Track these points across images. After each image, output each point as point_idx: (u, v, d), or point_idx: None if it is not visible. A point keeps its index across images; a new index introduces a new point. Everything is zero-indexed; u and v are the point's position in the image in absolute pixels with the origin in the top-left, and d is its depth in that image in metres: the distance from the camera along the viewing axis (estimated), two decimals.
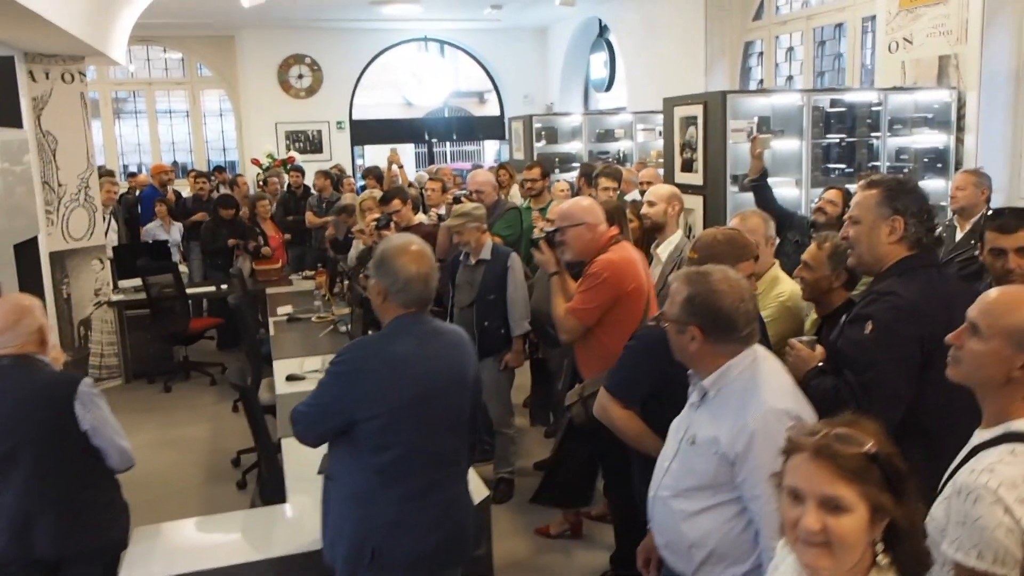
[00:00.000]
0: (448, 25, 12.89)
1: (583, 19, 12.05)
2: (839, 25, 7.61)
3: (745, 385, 2.04)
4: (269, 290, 7.24)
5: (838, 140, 5.80)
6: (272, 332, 5.68)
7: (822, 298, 3.02)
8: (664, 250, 4.11)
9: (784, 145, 5.83)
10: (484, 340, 4.38)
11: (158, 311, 7.17)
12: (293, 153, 11.70)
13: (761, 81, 8.68)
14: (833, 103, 5.76)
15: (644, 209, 4.21)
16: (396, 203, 5.43)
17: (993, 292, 1.73)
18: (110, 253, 7.61)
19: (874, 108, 5.78)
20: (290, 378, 4.55)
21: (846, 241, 2.90)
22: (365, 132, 13.50)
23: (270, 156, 11.35)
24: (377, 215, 5.62)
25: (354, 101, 13.22)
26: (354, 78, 13.11)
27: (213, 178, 10.25)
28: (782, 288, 3.34)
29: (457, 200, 5.08)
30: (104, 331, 7.37)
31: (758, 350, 2.12)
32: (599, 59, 12.02)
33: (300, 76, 12.80)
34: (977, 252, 4.49)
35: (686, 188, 5.68)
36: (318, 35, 12.59)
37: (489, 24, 12.78)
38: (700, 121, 5.63)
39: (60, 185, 6.94)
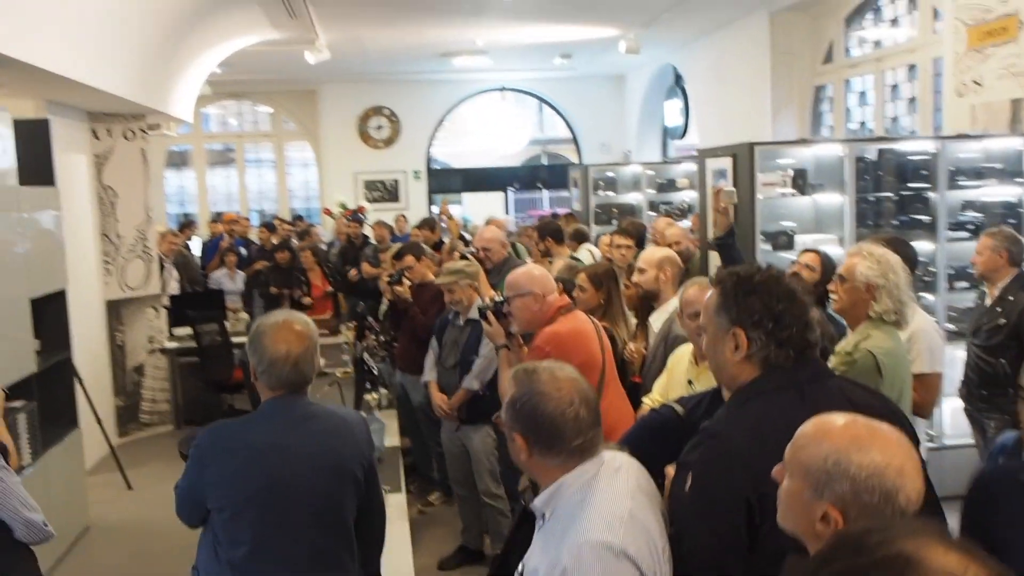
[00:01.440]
0: (523, 75, 12.93)
1: (658, 66, 11.83)
2: (912, 67, 7.12)
3: (573, 509, 1.72)
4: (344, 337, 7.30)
5: (888, 194, 5.34)
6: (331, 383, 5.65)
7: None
8: (657, 320, 3.83)
9: (827, 200, 5.43)
10: (468, 404, 4.20)
11: (206, 359, 7.32)
12: (363, 203, 11.91)
13: (832, 128, 8.22)
14: (881, 154, 5.32)
15: (635, 276, 3.95)
16: (409, 259, 5.34)
17: (813, 417, 1.44)
18: (167, 301, 7.86)
19: (931, 158, 5.30)
20: None
21: None
22: (443, 181, 13.63)
23: (341, 205, 11.58)
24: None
25: (440, 149, 13.40)
26: (431, 128, 13.30)
27: (295, 226, 10.59)
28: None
29: (464, 258, 4.94)
30: (156, 377, 7.58)
31: (606, 463, 1.80)
32: (674, 106, 11.74)
33: (379, 127, 13.09)
34: (1003, 320, 4.09)
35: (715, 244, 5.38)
36: (396, 87, 12.87)
37: (564, 73, 12.73)
38: (729, 175, 5.32)
39: (119, 237, 7.23)
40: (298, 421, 2.25)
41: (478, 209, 13.58)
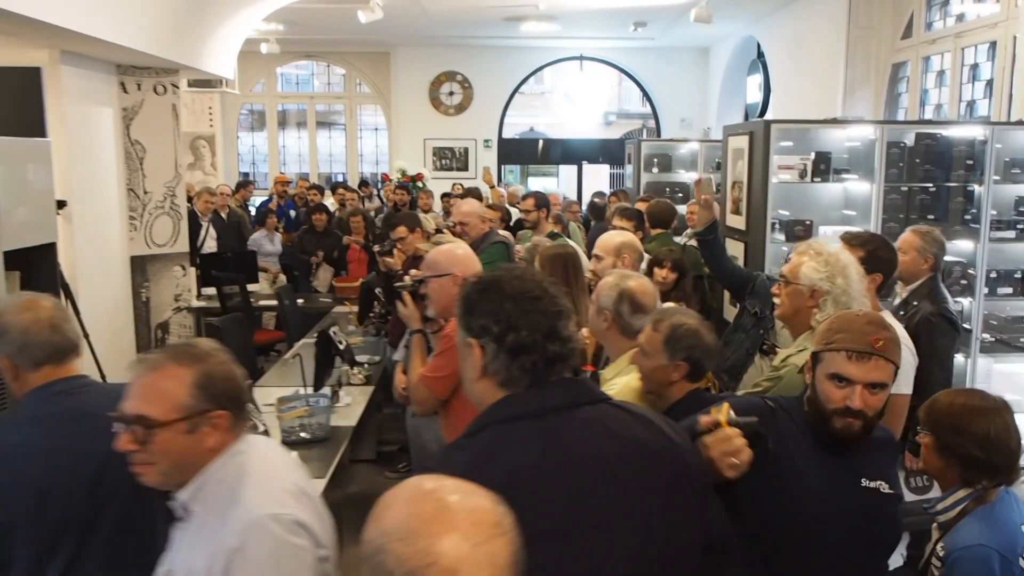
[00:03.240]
0: (601, 43, 12.36)
1: (741, 39, 11.05)
2: (993, 45, 6.26)
3: (228, 493, 1.57)
4: (337, 309, 7.15)
5: (925, 185, 4.67)
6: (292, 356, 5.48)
7: (661, 392, 2.28)
8: None
9: (857, 189, 4.80)
10: None
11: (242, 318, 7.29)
12: (422, 171, 11.69)
13: (906, 110, 7.39)
14: (919, 139, 4.64)
15: (591, 263, 3.53)
16: (401, 230, 5.05)
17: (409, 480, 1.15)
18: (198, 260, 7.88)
19: (978, 147, 4.59)
20: None
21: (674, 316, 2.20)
22: (513, 152, 13.27)
23: (401, 172, 11.41)
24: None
25: (516, 119, 13.03)
26: (505, 96, 12.93)
27: (362, 191, 10.53)
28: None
29: (439, 231, 4.60)
30: (182, 336, 7.62)
31: (254, 442, 1.66)
32: (755, 82, 10.95)
33: (451, 93, 12.82)
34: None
35: (733, 232, 4.86)
36: (471, 53, 12.55)
37: (645, 43, 12.09)
38: (746, 155, 4.76)
39: (146, 193, 7.25)
40: (72, 416, 1.97)
41: (576, 184, 13.21)
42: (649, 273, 4.29)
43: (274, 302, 7.70)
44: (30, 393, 1.99)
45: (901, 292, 3.68)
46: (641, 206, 5.48)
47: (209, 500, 1.58)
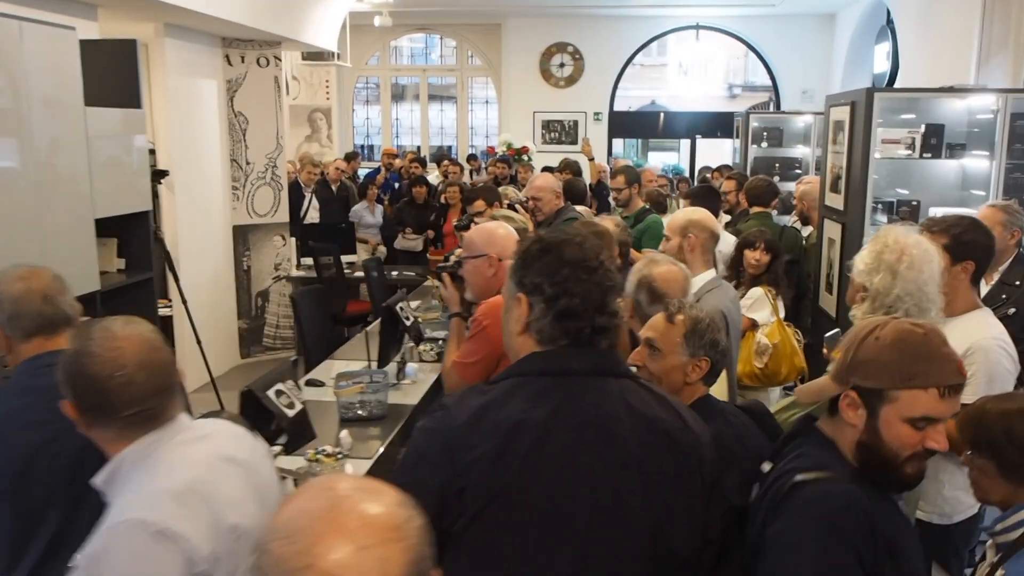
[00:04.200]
0: (721, 11, 11.78)
1: (870, 3, 10.26)
2: None
3: (120, 486, 1.50)
4: (429, 283, 7.14)
5: None
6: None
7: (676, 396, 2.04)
8: None
9: (976, 166, 4.31)
10: None
11: (325, 291, 7.40)
12: (528, 143, 11.52)
13: None
14: None
15: (661, 245, 3.29)
16: (479, 204, 4.94)
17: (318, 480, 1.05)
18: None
19: None
20: (308, 383, 4.31)
21: (693, 309, 1.98)
22: (624, 125, 12.90)
23: (507, 144, 11.29)
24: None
25: (625, 93, 12.68)
26: (617, 68, 12.55)
27: (471, 164, 10.50)
28: None
29: (512, 207, 4.44)
30: (281, 304, 7.81)
31: (184, 431, 1.56)
32: (883, 50, 10.15)
33: (562, 65, 12.56)
34: (1012, 309, 3.00)
35: (832, 213, 4.49)
36: (582, 23, 12.23)
37: (767, 10, 11.45)
38: (846, 128, 4.35)
39: (248, 163, 7.43)
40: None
41: (703, 158, 12.70)
42: (739, 254, 4.02)
43: (360, 274, 7.78)
44: (21, 364, 1.99)
45: (987, 278, 3.26)
46: (729, 185, 5.13)
47: (115, 489, 1.51)
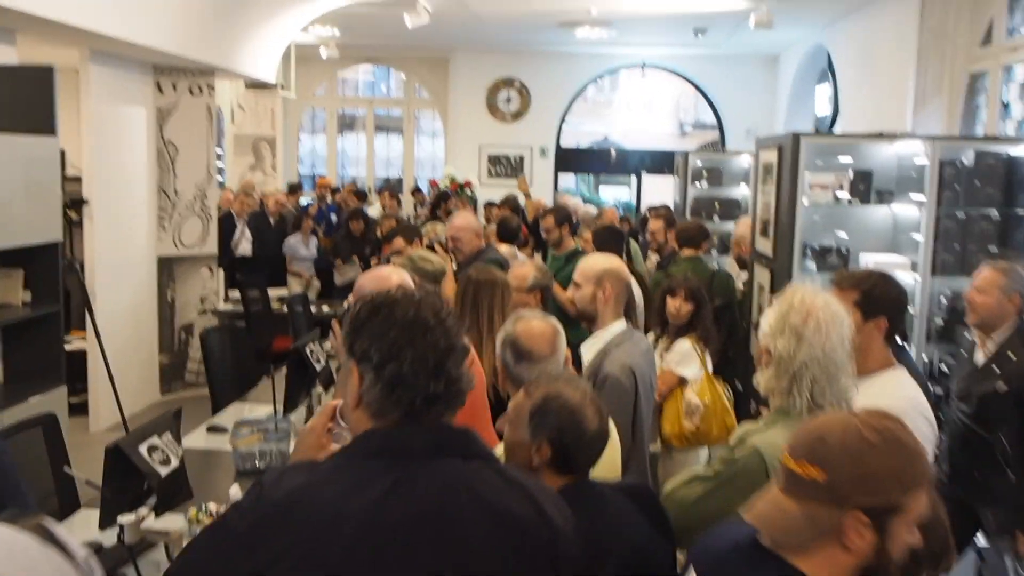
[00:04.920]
0: (662, 51, 11.88)
1: (811, 46, 10.42)
2: None
3: None
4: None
5: (987, 211, 4.11)
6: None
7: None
8: (589, 349, 2.97)
9: (906, 213, 4.27)
10: None
11: (249, 325, 7.14)
12: (470, 178, 11.43)
13: (985, 124, 6.72)
14: (981, 158, 4.09)
15: (569, 290, 3.14)
16: (398, 242, 4.77)
17: None
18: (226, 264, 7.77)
19: None
20: (210, 429, 4.06)
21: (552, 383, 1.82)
22: (570, 161, 12.89)
23: (450, 178, 11.18)
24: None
25: (578, 128, 12.69)
26: (564, 104, 12.57)
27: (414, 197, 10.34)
28: None
29: (430, 247, 4.28)
30: None
31: None
32: (824, 92, 10.32)
33: (508, 100, 12.54)
34: (1004, 387, 2.92)
35: (761, 258, 4.41)
36: (528, 59, 12.25)
37: (709, 51, 11.58)
38: (774, 171, 4.30)
39: (176, 193, 7.17)
40: None
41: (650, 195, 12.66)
42: (662, 302, 3.87)
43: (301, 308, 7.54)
44: None
45: (982, 344, 3.15)
46: (656, 224, 5.05)
47: None
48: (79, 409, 6.29)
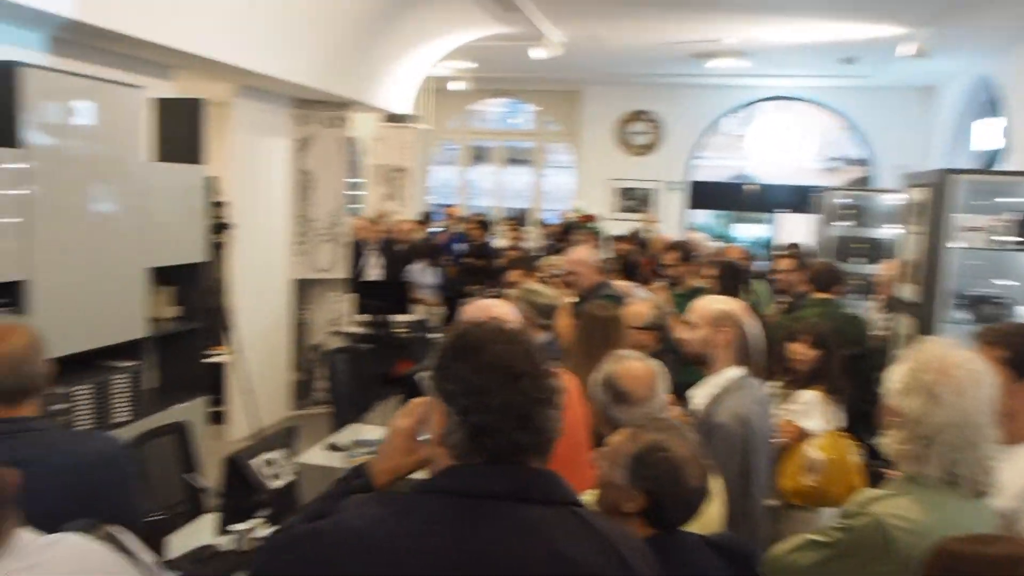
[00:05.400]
0: (804, 82, 11.47)
1: (975, 76, 9.75)
2: None
3: None
4: None
5: None
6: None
7: (613, 520, 1.75)
8: (699, 394, 2.85)
9: None
10: None
11: (376, 349, 7.31)
12: (600, 212, 11.34)
13: None
14: None
15: (681, 331, 3.01)
16: (514, 275, 4.75)
17: None
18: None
19: None
20: (329, 446, 4.17)
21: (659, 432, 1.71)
22: (703, 196, 12.61)
23: (578, 211, 11.14)
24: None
25: (696, 162, 12.47)
26: (696, 137, 12.34)
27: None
28: None
29: (546, 281, 4.23)
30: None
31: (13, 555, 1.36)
32: (983, 127, 9.63)
33: (638, 133, 12.43)
34: None
35: (903, 305, 4.14)
36: (661, 91, 12.12)
37: (860, 82, 11.08)
38: (928, 211, 4.00)
39: (312, 220, 7.47)
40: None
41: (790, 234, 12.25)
42: (783, 348, 3.66)
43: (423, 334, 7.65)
44: None
45: None
46: (786, 264, 4.79)
47: None
48: (219, 418, 6.62)
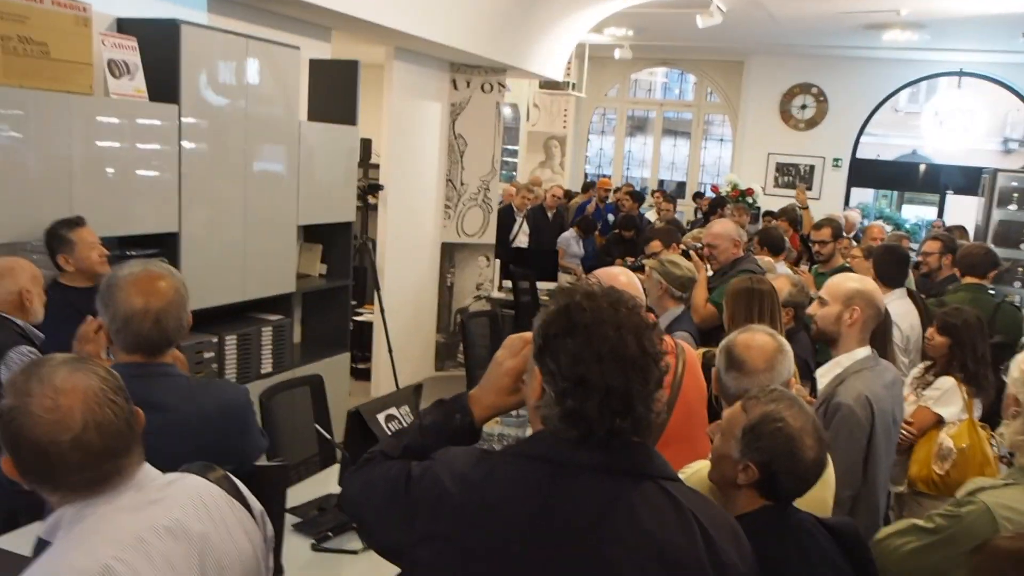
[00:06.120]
0: (990, 57, 10.56)
1: None
2: None
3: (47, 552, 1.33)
4: None
5: None
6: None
7: (724, 489, 1.74)
8: (825, 374, 2.75)
9: None
10: None
11: (518, 315, 7.48)
12: (755, 186, 10.96)
13: None
14: None
15: (811, 308, 2.92)
16: (655, 245, 4.73)
17: None
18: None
19: None
20: None
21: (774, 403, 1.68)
22: (867, 174, 11.94)
23: (732, 185, 10.82)
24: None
25: (864, 139, 11.80)
26: (864, 113, 11.66)
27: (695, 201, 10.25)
28: None
29: (685, 254, 4.17)
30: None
31: (132, 493, 1.38)
32: None
33: (803, 107, 11.88)
34: None
35: None
36: (828, 64, 11.52)
37: None
38: None
39: (462, 184, 7.67)
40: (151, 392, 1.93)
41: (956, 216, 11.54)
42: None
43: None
44: (113, 366, 2.04)
45: None
46: (932, 246, 4.50)
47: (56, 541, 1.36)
48: (364, 375, 6.97)
